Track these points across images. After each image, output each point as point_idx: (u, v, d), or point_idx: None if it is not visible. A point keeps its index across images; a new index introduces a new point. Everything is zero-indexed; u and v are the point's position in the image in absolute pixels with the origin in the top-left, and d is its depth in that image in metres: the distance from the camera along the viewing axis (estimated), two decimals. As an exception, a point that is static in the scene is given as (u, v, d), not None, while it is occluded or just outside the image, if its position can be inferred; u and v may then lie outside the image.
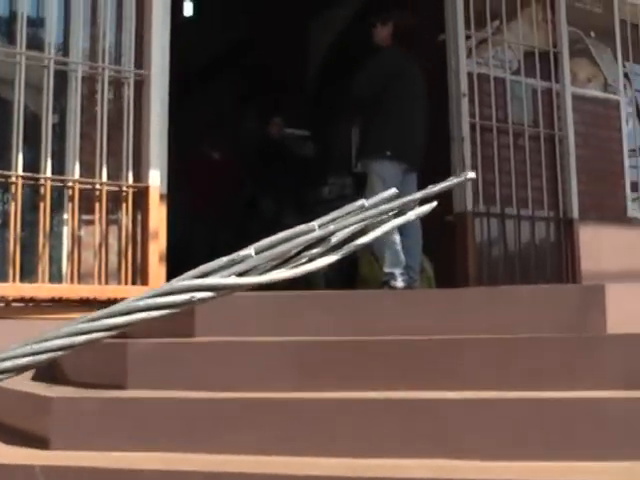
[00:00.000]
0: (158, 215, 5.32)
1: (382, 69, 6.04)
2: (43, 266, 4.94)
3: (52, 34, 5.16)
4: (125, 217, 5.25)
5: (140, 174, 5.32)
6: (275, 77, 10.18)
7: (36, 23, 5.25)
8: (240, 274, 1.64)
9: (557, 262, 6.96)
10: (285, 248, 1.68)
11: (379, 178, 5.85)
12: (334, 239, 1.71)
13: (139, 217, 5.30)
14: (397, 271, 5.79)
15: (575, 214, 7.07)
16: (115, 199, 5.25)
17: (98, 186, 5.16)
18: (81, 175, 5.10)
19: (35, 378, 4.32)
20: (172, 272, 5.47)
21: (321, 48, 10.62)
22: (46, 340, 1.59)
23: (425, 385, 3.29)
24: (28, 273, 4.91)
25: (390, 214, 1.86)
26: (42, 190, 4.97)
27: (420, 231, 6.01)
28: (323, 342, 3.66)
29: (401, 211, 1.88)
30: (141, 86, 5.41)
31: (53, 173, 5.02)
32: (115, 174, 5.24)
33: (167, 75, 5.51)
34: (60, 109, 5.19)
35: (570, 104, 7.22)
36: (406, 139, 5.90)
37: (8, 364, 1.58)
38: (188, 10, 10.74)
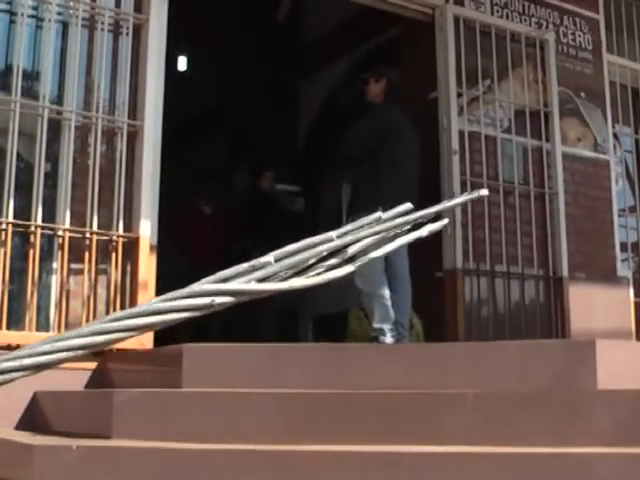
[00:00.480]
0: (148, 266, 5.31)
1: (376, 125, 6.05)
2: (31, 314, 4.90)
3: (47, 83, 5.19)
4: (114, 267, 5.23)
5: (131, 224, 5.32)
6: (267, 132, 10.25)
7: (32, 72, 5.29)
8: (259, 280, 1.64)
9: (547, 320, 6.96)
10: (304, 256, 1.68)
11: (370, 234, 5.84)
12: (350, 250, 1.73)
13: (128, 267, 5.29)
14: (386, 327, 5.76)
15: (565, 272, 7.08)
16: (105, 249, 5.24)
17: (88, 235, 5.15)
18: (72, 224, 5.10)
19: (18, 427, 4.28)
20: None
21: (312, 105, 10.73)
22: (67, 339, 1.57)
23: (412, 440, 3.25)
24: (15, 321, 4.88)
25: (404, 229, 1.87)
26: (32, 238, 4.96)
27: (410, 287, 6.00)
28: (310, 395, 3.63)
29: (414, 227, 1.89)
30: (134, 137, 5.43)
31: (44, 221, 5.01)
32: (106, 224, 5.23)
33: (160, 127, 5.55)
34: (53, 157, 5.19)
35: (560, 163, 7.28)
36: (398, 196, 5.88)
37: (28, 362, 1.62)
38: (182, 64, 10.87)
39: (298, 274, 1.70)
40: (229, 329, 8.46)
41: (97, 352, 4.95)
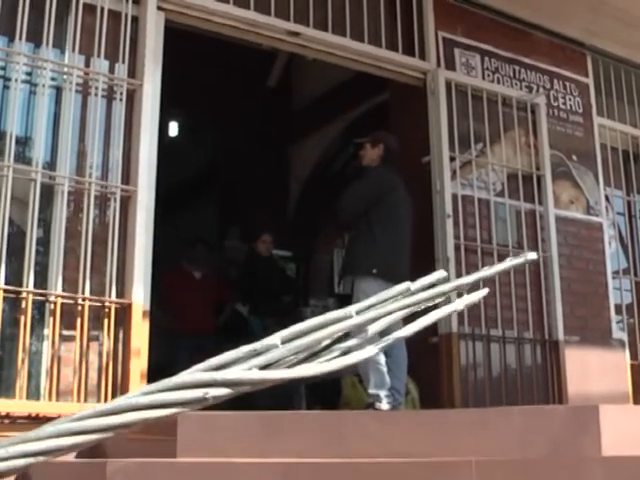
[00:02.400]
0: (140, 332, 5.24)
1: (373, 189, 6.04)
2: (21, 382, 4.82)
3: (40, 148, 5.18)
4: (107, 333, 5.16)
5: (124, 290, 5.26)
6: (257, 197, 10.27)
7: (25, 137, 5.27)
8: (263, 367, 1.44)
9: (543, 384, 6.89)
10: (316, 337, 1.49)
11: (364, 296, 5.71)
12: (372, 329, 1.53)
13: (121, 334, 5.22)
14: (382, 393, 5.68)
15: (561, 336, 7.03)
16: (97, 315, 5.17)
17: (80, 301, 5.09)
18: (64, 290, 5.04)
19: (8, 499, 4.16)
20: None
21: (302, 169, 10.78)
22: (23, 441, 1.38)
23: (415, 509, 3.17)
24: (5, 388, 4.80)
25: (436, 301, 1.68)
26: (23, 304, 4.89)
27: (405, 352, 5.94)
28: (309, 464, 3.54)
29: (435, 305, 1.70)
30: (127, 202, 5.40)
31: (35, 287, 4.95)
32: (98, 289, 5.18)
33: (153, 192, 5.53)
34: (45, 223, 5.15)
35: (554, 226, 7.28)
36: (391, 258, 5.87)
37: None
38: (173, 130, 10.93)
39: (308, 359, 1.50)
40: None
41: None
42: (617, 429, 3.53)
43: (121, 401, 1.39)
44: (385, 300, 1.58)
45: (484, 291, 1.73)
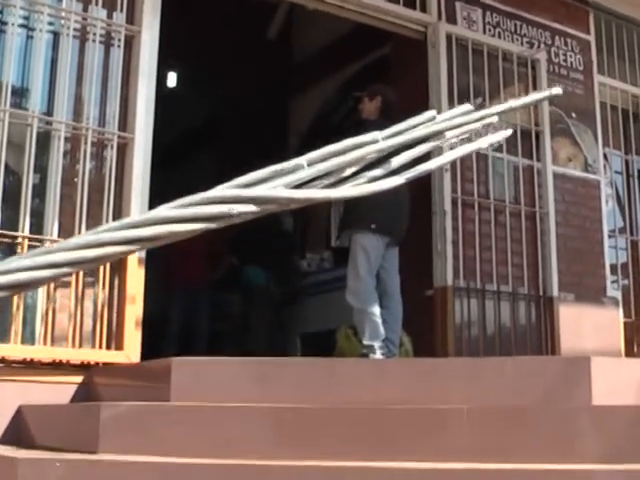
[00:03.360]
0: (136, 279, 5.25)
1: None
2: (16, 327, 4.83)
3: (37, 94, 5.14)
4: (102, 280, 5.16)
5: (119, 237, 5.25)
6: (256, 149, 10.23)
7: (22, 83, 5.24)
8: (290, 187, 1.39)
9: (537, 339, 6.92)
10: (343, 160, 1.45)
11: (362, 250, 5.80)
12: (395, 161, 1.49)
13: (116, 280, 5.22)
14: (376, 344, 5.70)
15: (555, 292, 7.05)
16: (93, 262, 5.16)
17: (76, 248, 5.08)
18: (60, 236, 5.03)
19: (2, 441, 4.20)
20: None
21: (302, 122, 10.72)
22: (50, 252, 1.31)
23: (405, 456, 3.19)
24: (0, 333, 4.81)
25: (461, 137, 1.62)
26: (19, 249, 4.89)
27: (401, 304, 5.96)
28: (301, 409, 3.57)
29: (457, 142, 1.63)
30: (124, 149, 5.38)
31: (31, 233, 4.95)
32: (94, 236, 5.16)
33: (150, 139, 5.50)
34: (42, 169, 5.13)
35: (551, 182, 7.27)
36: (391, 214, 5.86)
37: (2, 280, 1.27)
38: (172, 81, 10.86)
39: (336, 184, 1.44)
40: (217, 342, 8.41)
41: (82, 366, 4.92)
42: (608, 380, 3.56)
43: (150, 214, 1.35)
44: (411, 127, 1.54)
45: (508, 131, 1.72)
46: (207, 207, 1.36)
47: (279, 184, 1.35)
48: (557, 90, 1.85)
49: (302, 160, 1.35)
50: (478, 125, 1.68)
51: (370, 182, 1.48)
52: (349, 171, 1.47)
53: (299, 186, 1.39)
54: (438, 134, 1.57)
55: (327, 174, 1.41)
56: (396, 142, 1.49)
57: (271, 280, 8.90)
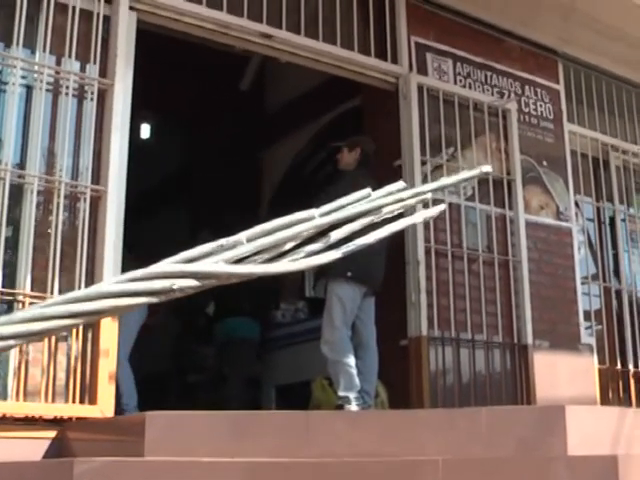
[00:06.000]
0: (110, 332, 5.21)
1: (347, 192, 6.03)
2: (-12, 382, 4.78)
3: (10, 147, 5.13)
4: (75, 334, 5.12)
5: (93, 290, 5.22)
6: (229, 200, 10.25)
7: (-6, 137, 5.23)
8: (229, 263, 1.45)
9: (512, 388, 6.92)
10: (280, 236, 1.50)
11: (338, 300, 5.81)
12: (334, 235, 1.54)
13: (90, 334, 5.19)
14: (352, 395, 5.69)
15: (529, 340, 7.07)
16: (66, 315, 5.13)
17: (49, 301, 5.05)
18: (32, 289, 5.00)
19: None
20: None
21: (275, 173, 10.76)
22: None
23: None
24: (-28, 389, 4.76)
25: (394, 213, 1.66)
26: (-8, 303, 4.86)
27: (376, 355, 5.96)
28: (277, 463, 3.55)
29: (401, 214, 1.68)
30: (97, 202, 5.37)
31: (4, 286, 4.92)
32: (67, 289, 5.11)
33: (124, 192, 5.50)
34: (14, 222, 5.11)
35: (524, 231, 7.32)
36: (367, 263, 5.87)
37: None
38: (145, 132, 10.88)
39: (275, 259, 1.51)
40: (191, 396, 8.35)
41: (55, 420, 4.86)
42: (583, 429, 3.56)
43: (93, 289, 1.40)
44: (347, 205, 1.60)
45: (442, 206, 1.77)
46: (149, 282, 1.40)
47: (220, 259, 1.39)
48: (487, 168, 1.91)
49: (242, 236, 1.40)
50: (413, 202, 1.73)
51: (308, 257, 1.52)
52: (288, 246, 1.51)
53: (239, 261, 1.43)
54: (374, 210, 1.62)
55: (266, 249, 1.46)
56: (333, 219, 1.53)
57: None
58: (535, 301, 7.25)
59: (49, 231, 5.17)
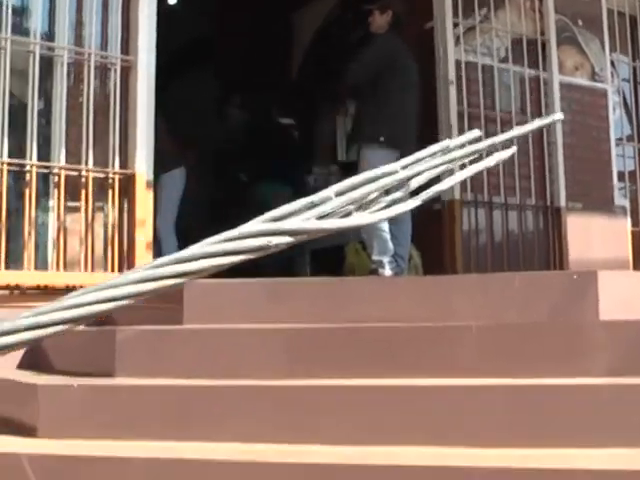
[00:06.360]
0: (145, 202, 5.27)
1: (381, 56, 5.97)
2: (29, 253, 4.88)
3: (38, 19, 5.10)
4: (111, 204, 5.19)
5: (127, 161, 5.26)
6: (259, 65, 10.13)
7: (22, 10, 5.18)
8: (319, 218, 1.53)
9: (545, 251, 6.95)
10: (366, 190, 1.57)
11: (369, 166, 5.79)
12: (413, 184, 1.61)
13: (125, 204, 5.25)
14: (385, 259, 5.75)
15: (562, 202, 7.05)
16: (101, 186, 5.19)
17: (84, 173, 5.10)
18: (67, 161, 5.05)
19: (20, 366, 4.27)
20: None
21: (304, 38, 10.59)
22: (110, 287, 1.45)
23: (417, 372, 3.25)
24: (13, 260, 4.85)
25: (471, 158, 1.75)
26: (27, 176, 4.91)
27: (410, 219, 5.98)
28: (314, 329, 3.62)
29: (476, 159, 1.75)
30: (128, 72, 5.35)
31: (39, 159, 4.96)
32: (101, 160, 5.18)
33: (154, 61, 5.46)
34: (46, 95, 5.12)
35: (558, 92, 7.21)
36: (400, 127, 5.85)
37: (67, 314, 1.60)
38: (172, -2, 10.68)
39: (359, 210, 1.58)
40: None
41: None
42: (615, 294, 3.59)
43: (194, 249, 1.50)
44: (426, 157, 1.67)
45: (513, 149, 1.83)
46: (247, 241, 1.50)
47: (310, 215, 1.48)
48: (559, 115, 1.93)
49: (330, 192, 1.47)
50: (486, 148, 1.79)
51: (389, 206, 1.59)
52: (371, 196, 1.58)
53: (329, 215, 1.51)
54: (451, 161, 1.69)
55: (352, 203, 1.53)
56: (413, 172, 1.59)
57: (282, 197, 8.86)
58: (568, 163, 7.20)
59: (80, 100, 5.17)
